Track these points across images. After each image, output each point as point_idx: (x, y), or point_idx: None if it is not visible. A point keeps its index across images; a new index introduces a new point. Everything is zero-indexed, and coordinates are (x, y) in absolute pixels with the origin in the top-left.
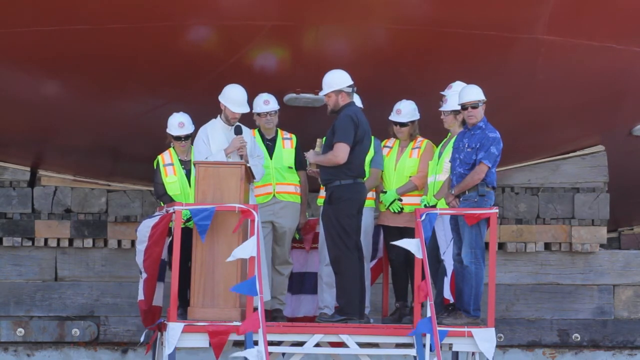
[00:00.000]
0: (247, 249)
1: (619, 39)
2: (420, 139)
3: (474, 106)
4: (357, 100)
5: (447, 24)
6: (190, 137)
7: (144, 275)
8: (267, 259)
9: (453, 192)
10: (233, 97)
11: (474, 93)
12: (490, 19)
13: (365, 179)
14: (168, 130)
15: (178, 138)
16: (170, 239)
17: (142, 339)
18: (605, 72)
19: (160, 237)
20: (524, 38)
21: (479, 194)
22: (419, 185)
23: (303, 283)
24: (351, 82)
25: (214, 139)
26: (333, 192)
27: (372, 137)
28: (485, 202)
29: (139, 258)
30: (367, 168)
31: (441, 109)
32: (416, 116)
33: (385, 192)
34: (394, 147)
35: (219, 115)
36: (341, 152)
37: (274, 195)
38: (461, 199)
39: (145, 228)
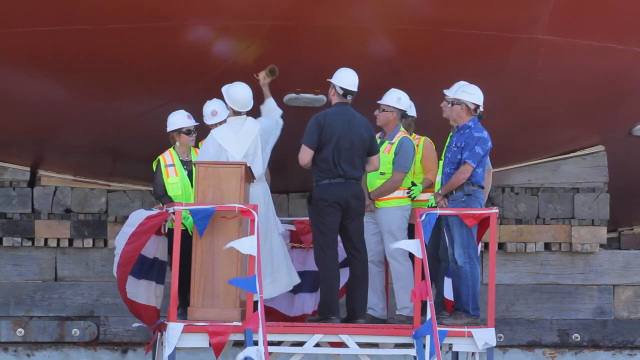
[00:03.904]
0: (246, 245)
1: (619, 39)
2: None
3: (447, 101)
4: None
5: (447, 24)
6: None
7: (116, 258)
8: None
9: (440, 191)
10: (237, 98)
11: (452, 89)
12: (490, 19)
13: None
14: (174, 126)
15: (188, 131)
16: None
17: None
18: (605, 72)
19: (150, 228)
20: (524, 38)
21: (465, 194)
22: (433, 181)
23: (303, 282)
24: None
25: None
26: (311, 193)
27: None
28: (473, 200)
29: (122, 239)
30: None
31: (442, 105)
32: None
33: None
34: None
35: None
36: (301, 153)
37: None
38: (449, 199)
39: (140, 214)
